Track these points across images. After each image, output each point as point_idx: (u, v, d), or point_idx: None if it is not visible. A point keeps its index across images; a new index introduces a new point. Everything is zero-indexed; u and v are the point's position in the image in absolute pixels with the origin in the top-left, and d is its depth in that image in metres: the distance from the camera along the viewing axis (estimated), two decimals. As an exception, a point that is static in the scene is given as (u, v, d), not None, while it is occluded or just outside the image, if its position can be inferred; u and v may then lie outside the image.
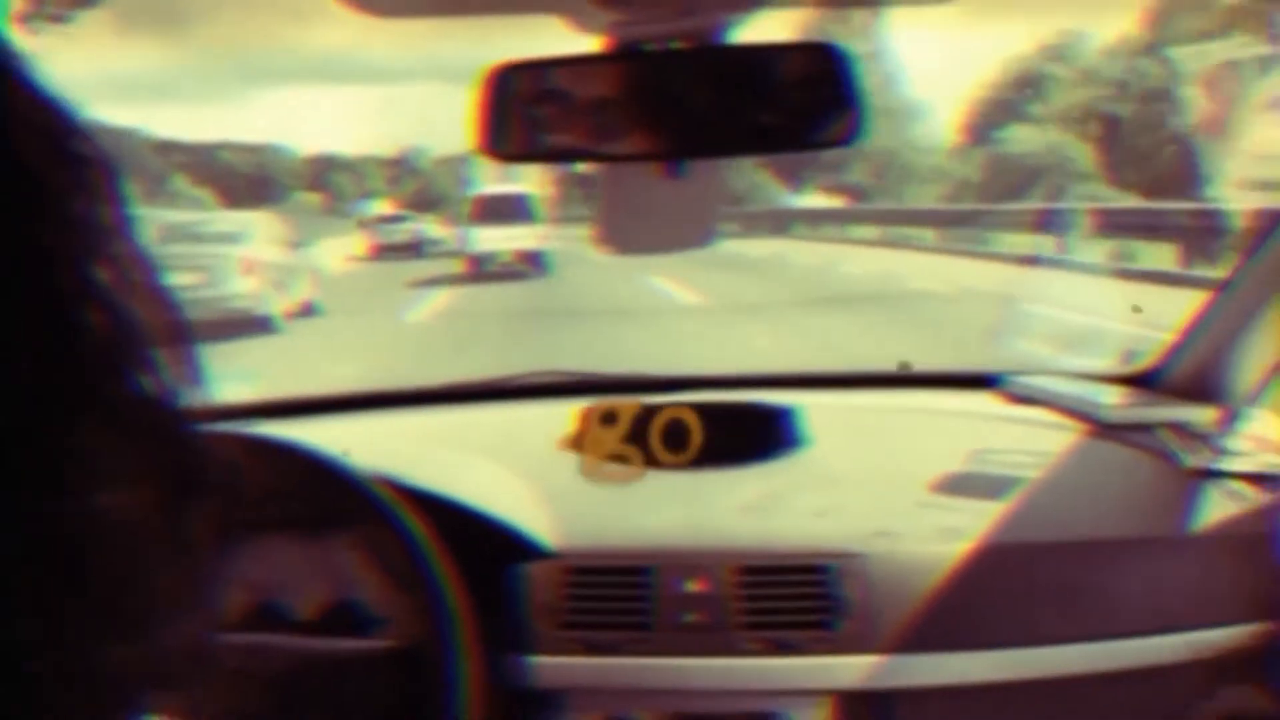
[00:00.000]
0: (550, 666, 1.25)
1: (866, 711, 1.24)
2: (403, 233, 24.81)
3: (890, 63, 34.63)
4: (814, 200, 30.06)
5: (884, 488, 1.40)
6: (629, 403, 1.48)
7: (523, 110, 0.97)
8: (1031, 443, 1.47)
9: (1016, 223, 15.49)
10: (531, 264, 16.04)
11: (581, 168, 1.13)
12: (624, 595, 1.27)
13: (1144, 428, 1.47)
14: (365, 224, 26.40)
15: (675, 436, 1.46)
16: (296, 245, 13.08)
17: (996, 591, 1.26)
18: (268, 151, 50.44)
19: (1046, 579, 1.27)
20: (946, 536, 1.28)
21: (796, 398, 1.58)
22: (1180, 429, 1.45)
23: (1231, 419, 1.43)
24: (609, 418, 1.47)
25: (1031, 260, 12.02)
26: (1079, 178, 25.96)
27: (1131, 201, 19.63)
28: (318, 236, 18.42)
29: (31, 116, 0.35)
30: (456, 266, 16.61)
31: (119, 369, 0.35)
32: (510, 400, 1.77)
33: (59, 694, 0.34)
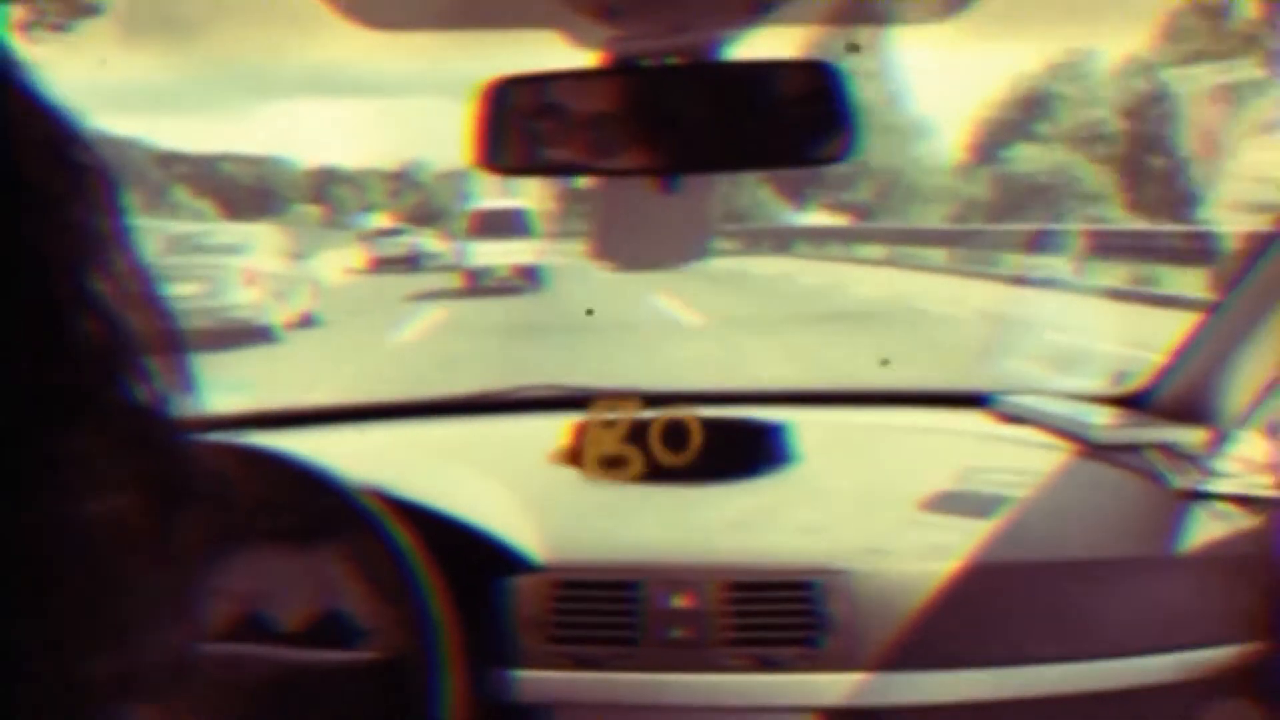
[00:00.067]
0: (536, 680, 1.25)
1: None
2: (400, 246, 25.06)
3: (896, 80, 34.41)
4: (817, 218, 29.82)
5: (873, 505, 1.40)
6: (630, 404, 1.49)
7: (520, 124, 0.97)
8: (1021, 462, 1.47)
9: (1029, 244, 15.06)
10: (528, 279, 16.07)
11: (583, 182, 1.14)
12: (611, 610, 1.27)
13: (1133, 448, 1.47)
14: (364, 237, 26.62)
15: (675, 436, 1.46)
16: (297, 257, 13.24)
17: (984, 610, 1.26)
18: (269, 164, 50.52)
19: (1034, 598, 1.27)
20: (934, 554, 1.28)
21: (787, 414, 1.58)
22: (1169, 450, 1.46)
23: (1220, 441, 1.44)
24: (609, 420, 1.47)
25: (1050, 283, 11.64)
26: (1088, 199, 25.66)
27: (1142, 224, 19.41)
28: (318, 249, 18.42)
29: (32, 125, 0.36)
30: (454, 280, 16.61)
31: (111, 377, 0.36)
32: (500, 414, 1.78)
33: (42, 701, 0.34)
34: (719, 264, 18.03)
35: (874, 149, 31.16)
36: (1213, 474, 1.39)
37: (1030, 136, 29.72)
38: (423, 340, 10.80)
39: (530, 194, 19.24)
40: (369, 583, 1.14)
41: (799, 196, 31.92)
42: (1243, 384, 1.42)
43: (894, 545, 1.30)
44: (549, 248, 16.94)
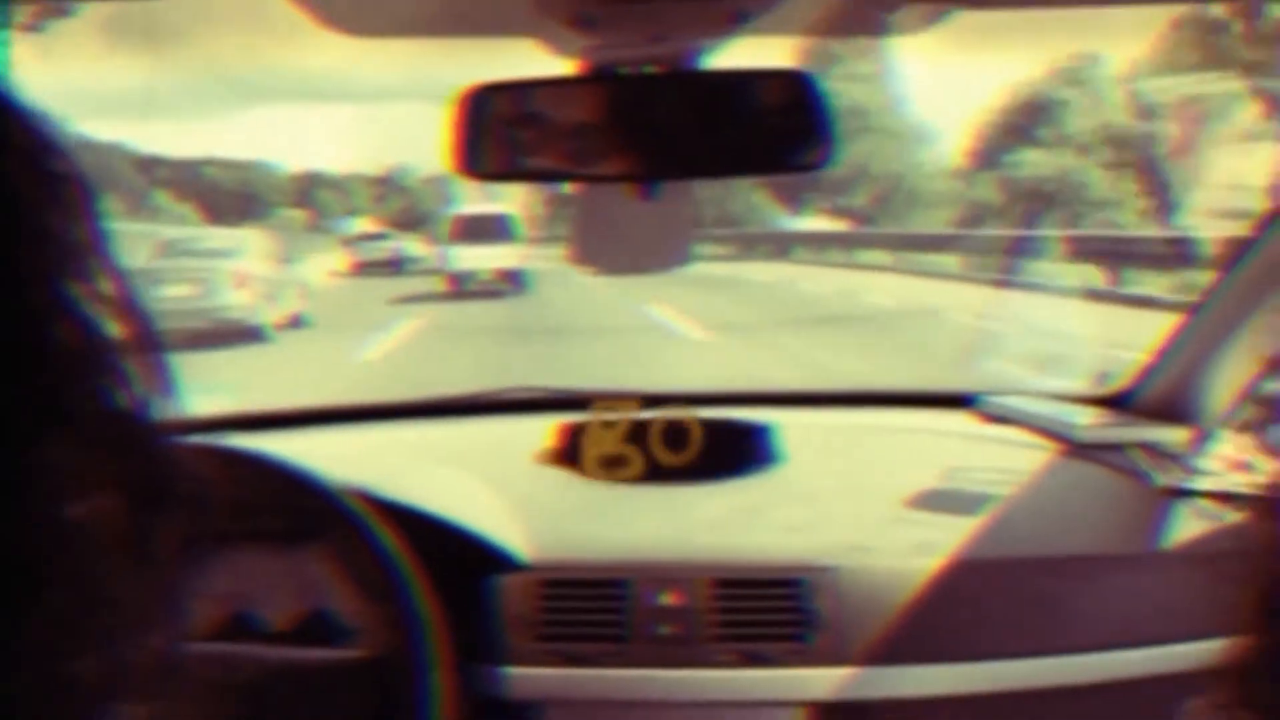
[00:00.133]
0: (525, 678, 1.26)
1: None
2: (383, 250, 25.28)
3: (896, 84, 33.96)
4: (815, 223, 29.33)
5: (859, 503, 1.41)
6: (626, 404, 1.50)
7: (499, 130, 0.98)
8: (1006, 461, 1.48)
9: (1038, 250, 14.18)
10: (511, 282, 16.14)
11: (569, 188, 1.15)
12: (599, 607, 1.27)
13: (1116, 447, 1.49)
14: (347, 241, 26.73)
15: (675, 436, 1.47)
16: (284, 261, 13.55)
17: (969, 606, 1.27)
18: (252, 168, 50.34)
19: (1019, 594, 1.28)
20: (920, 551, 1.29)
21: (773, 415, 1.59)
22: (1152, 449, 1.47)
23: (1203, 439, 1.45)
24: (609, 421, 1.48)
25: (1086, 293, 10.67)
26: (1098, 204, 25.21)
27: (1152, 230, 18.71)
28: (304, 253, 18.39)
29: (10, 132, 0.36)
30: (438, 284, 16.61)
31: (90, 382, 0.36)
32: (487, 415, 1.78)
33: (29, 702, 0.34)
34: (713, 270, 17.82)
35: (874, 153, 30.71)
36: (1195, 472, 1.41)
37: (1034, 141, 29.02)
38: (395, 355, 9.90)
39: (514, 199, 19.25)
40: (355, 582, 1.15)
41: (796, 201, 31.55)
42: (1224, 383, 1.44)
43: (880, 542, 1.31)
44: (536, 252, 16.95)
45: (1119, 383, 1.64)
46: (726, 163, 1.00)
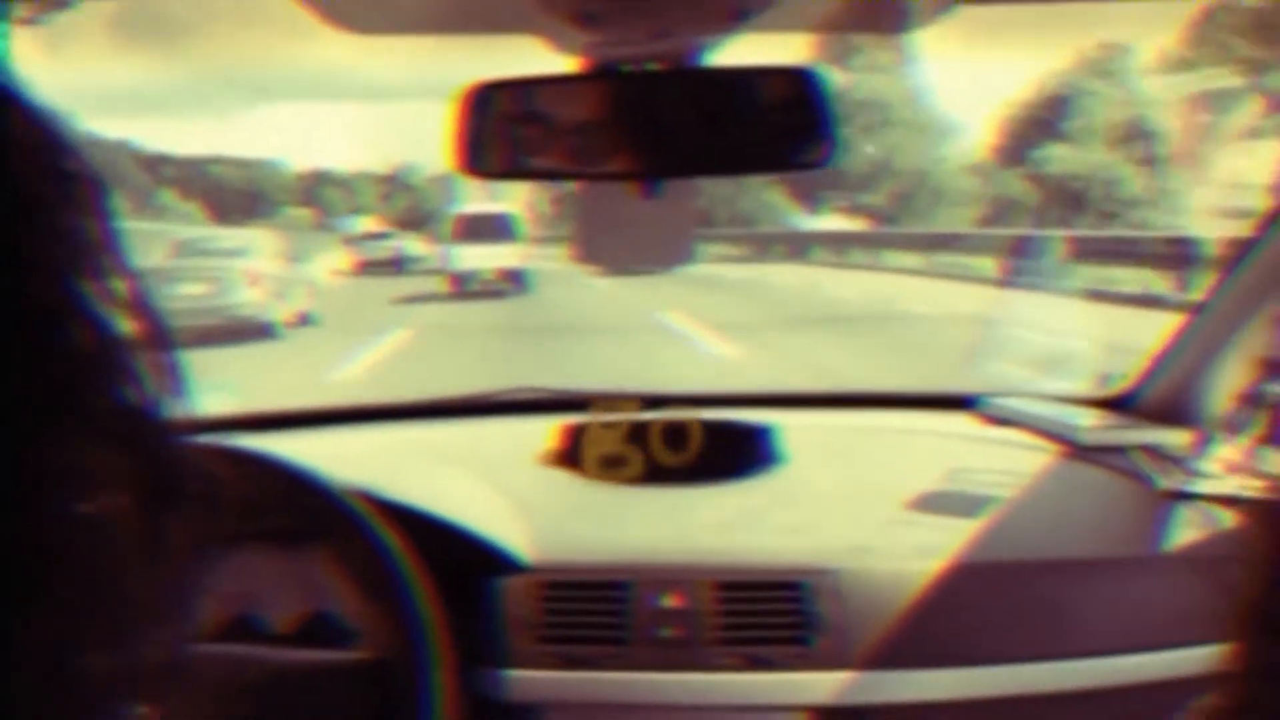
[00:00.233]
0: (526, 680, 1.26)
1: None
2: (384, 249, 25.47)
3: (919, 75, 32.84)
4: (833, 222, 28.53)
5: (860, 505, 1.41)
6: (627, 405, 1.50)
7: (502, 128, 0.98)
8: (1007, 463, 1.48)
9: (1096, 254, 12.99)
10: (513, 282, 16.24)
11: (570, 186, 1.15)
12: (600, 610, 1.27)
13: (1118, 450, 1.48)
14: (349, 240, 26.81)
15: (675, 437, 1.47)
16: (293, 260, 14.00)
17: (970, 609, 1.27)
18: (259, 166, 50.47)
19: (1020, 597, 1.28)
20: (921, 554, 1.29)
21: (775, 417, 1.59)
22: (1154, 451, 1.47)
23: (1204, 442, 1.45)
24: (609, 422, 1.48)
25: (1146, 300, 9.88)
26: (1131, 203, 24.02)
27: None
28: (310, 252, 18.44)
29: (22, 130, 0.36)
30: (440, 284, 16.66)
31: (102, 380, 0.36)
32: (489, 416, 1.78)
33: (39, 700, 0.34)
34: (727, 272, 17.44)
35: (897, 148, 29.85)
36: (1197, 475, 1.41)
37: (1062, 136, 27.66)
38: (377, 370, 8.89)
39: (519, 198, 19.29)
40: (357, 583, 1.15)
41: (813, 199, 30.77)
42: (1226, 386, 1.44)
43: (882, 545, 1.31)
44: (543, 252, 16.96)
45: (1121, 385, 1.64)
46: (729, 160, 1.00)
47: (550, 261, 16.48)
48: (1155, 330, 1.56)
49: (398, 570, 1.12)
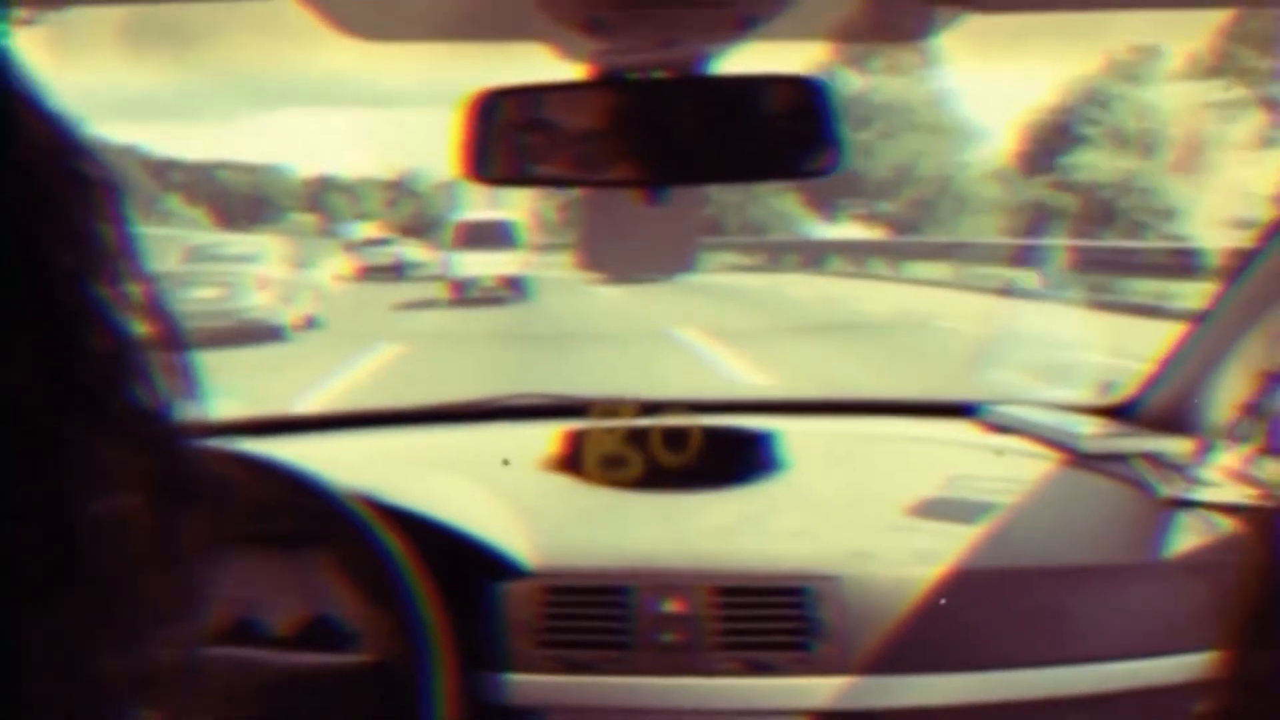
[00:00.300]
0: (527, 684, 1.26)
1: None
2: (385, 255, 25.59)
3: (941, 78, 31.55)
4: (849, 231, 27.48)
5: (860, 511, 1.41)
6: (627, 410, 1.50)
7: (508, 135, 0.99)
8: (1008, 470, 1.48)
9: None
10: (513, 289, 16.33)
11: (576, 194, 1.16)
12: (602, 615, 1.27)
13: (1120, 458, 1.49)
14: (350, 246, 26.90)
15: (674, 442, 1.47)
16: (300, 265, 14.51)
17: (971, 615, 1.27)
18: (265, 172, 50.54)
19: (1021, 603, 1.28)
20: (922, 560, 1.29)
21: (776, 423, 1.59)
22: (1155, 459, 1.47)
23: (1206, 450, 1.45)
24: (609, 426, 1.49)
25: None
26: (1166, 213, 22.65)
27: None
28: (316, 258, 18.55)
29: (39, 135, 0.36)
30: (441, 291, 16.70)
31: (117, 382, 0.36)
32: (491, 421, 1.78)
33: (51, 700, 0.34)
34: (741, 282, 17.07)
35: (919, 153, 28.89)
36: (1198, 483, 1.41)
37: (1091, 142, 26.00)
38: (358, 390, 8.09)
39: (525, 206, 19.31)
40: (358, 587, 1.15)
41: (829, 206, 29.72)
42: (1228, 394, 1.44)
43: (883, 551, 1.31)
44: (548, 260, 16.98)
45: (1122, 393, 1.64)
46: (734, 168, 1.01)
47: (554, 269, 16.45)
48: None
49: (399, 574, 1.13)
